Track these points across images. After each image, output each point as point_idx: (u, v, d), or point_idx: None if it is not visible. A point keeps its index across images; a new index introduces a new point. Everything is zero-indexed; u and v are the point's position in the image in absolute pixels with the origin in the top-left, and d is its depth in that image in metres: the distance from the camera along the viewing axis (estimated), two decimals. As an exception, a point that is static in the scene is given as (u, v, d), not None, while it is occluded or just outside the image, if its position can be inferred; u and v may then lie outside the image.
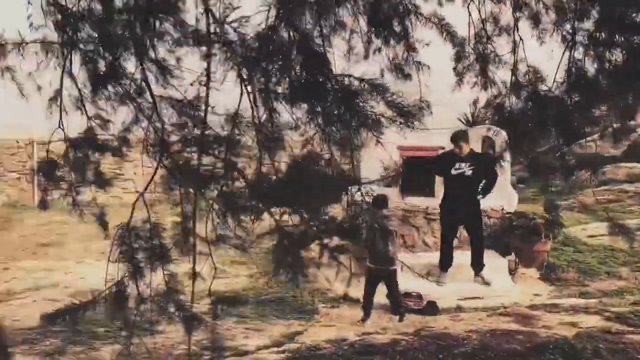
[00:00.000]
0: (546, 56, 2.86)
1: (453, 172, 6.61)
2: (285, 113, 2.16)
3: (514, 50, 3.27)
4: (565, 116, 2.58)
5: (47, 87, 3.44)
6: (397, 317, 5.98)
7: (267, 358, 4.66)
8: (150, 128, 2.34)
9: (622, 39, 2.46)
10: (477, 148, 7.98)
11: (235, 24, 2.14)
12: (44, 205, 3.40)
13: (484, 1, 3.47)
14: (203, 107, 2.41)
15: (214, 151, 2.32)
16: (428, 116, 2.77)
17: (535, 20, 3.11)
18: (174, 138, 2.33)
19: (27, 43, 2.92)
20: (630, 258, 7.76)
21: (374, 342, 4.42)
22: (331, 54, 2.19)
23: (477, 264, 6.82)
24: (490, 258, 7.27)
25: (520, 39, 3.25)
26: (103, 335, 5.25)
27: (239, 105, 2.26)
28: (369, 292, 5.99)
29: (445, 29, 2.88)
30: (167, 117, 2.41)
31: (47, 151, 2.93)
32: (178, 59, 2.68)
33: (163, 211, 2.54)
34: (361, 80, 1.97)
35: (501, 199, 7.91)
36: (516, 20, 3.27)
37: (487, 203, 7.67)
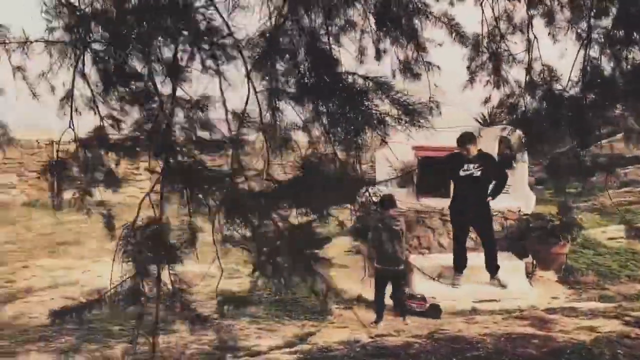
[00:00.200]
0: (560, 54, 2.79)
1: (461, 173, 6.55)
2: (288, 113, 2.13)
3: (528, 49, 3.21)
4: (580, 116, 2.52)
5: (62, 88, 3.48)
6: (403, 318, 5.92)
7: (279, 359, 4.65)
8: (157, 128, 2.34)
9: (640, 37, 2.39)
10: (494, 148, 7.89)
11: (242, 23, 2.12)
12: (57, 204, 3.43)
13: (497, -1, 3.42)
14: (211, 107, 2.39)
15: (220, 151, 2.30)
16: (439, 116, 2.73)
17: (550, 18, 3.04)
18: (179, 138, 2.32)
19: (31, 42, 2.94)
20: (653, 261, 7.59)
21: (386, 344, 4.38)
22: (337, 51, 2.15)
23: (491, 266, 6.72)
24: (507, 260, 7.16)
25: (535, 37, 3.18)
26: (118, 333, 5.30)
27: (246, 105, 2.24)
28: (378, 292, 5.94)
29: (454, 29, 2.83)
30: (174, 116, 2.40)
31: (57, 151, 2.95)
32: (189, 59, 2.67)
33: (171, 211, 2.53)
34: (365, 78, 1.93)
35: (518, 200, 7.80)
36: (530, 18, 3.20)
37: (503, 204, 7.57)
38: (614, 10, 2.69)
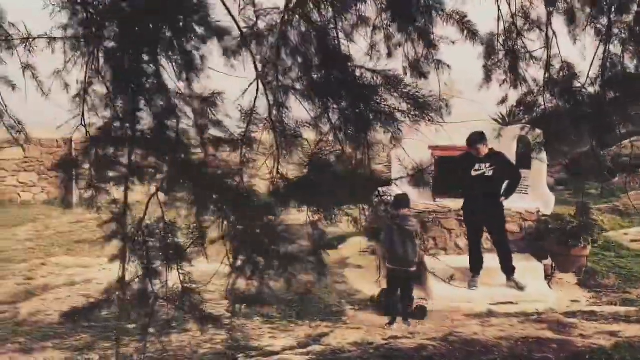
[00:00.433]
0: (577, 51, 2.70)
1: (473, 173, 6.44)
2: (295, 109, 2.09)
3: (547, 45, 3.11)
4: (600, 114, 2.43)
5: (74, 85, 3.49)
6: (408, 321, 5.82)
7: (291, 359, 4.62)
8: (165, 125, 2.31)
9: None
10: (513, 147, 7.75)
11: (251, 18, 2.09)
12: (67, 202, 3.43)
13: (514, -6, 3.32)
14: (219, 104, 2.36)
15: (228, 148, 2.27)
16: (449, 116, 2.66)
17: (569, 14, 2.94)
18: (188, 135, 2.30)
19: (47, 38, 2.94)
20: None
21: (400, 346, 4.32)
22: (345, 46, 2.11)
23: (506, 267, 6.60)
24: (526, 262, 7.03)
25: (554, 33, 3.08)
26: (132, 331, 5.33)
27: (255, 101, 2.21)
28: (390, 293, 5.86)
29: (466, 27, 2.75)
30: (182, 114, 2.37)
31: (69, 148, 2.94)
32: (202, 57, 2.65)
33: (179, 210, 2.51)
34: (373, 71, 1.87)
35: (537, 200, 7.66)
36: (549, 13, 3.11)
37: (522, 205, 7.43)
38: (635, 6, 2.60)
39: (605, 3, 2.83)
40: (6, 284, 7.13)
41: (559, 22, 3.20)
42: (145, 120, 3.04)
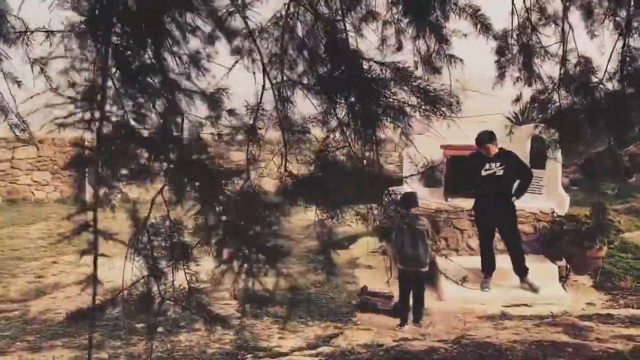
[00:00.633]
0: (594, 46, 2.60)
1: (483, 173, 6.36)
2: (302, 105, 2.03)
3: (562, 40, 3.02)
4: (618, 110, 2.34)
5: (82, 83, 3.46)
6: (419, 322, 5.74)
7: (299, 361, 4.57)
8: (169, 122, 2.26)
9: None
10: (527, 146, 7.64)
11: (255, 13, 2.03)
12: (80, 201, 3.40)
13: (529, -12, 3.23)
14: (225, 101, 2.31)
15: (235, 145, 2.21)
16: (462, 111, 2.58)
17: (586, 7, 2.84)
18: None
19: (53, 31, 2.91)
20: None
21: (410, 349, 4.24)
22: (353, 37, 2.04)
23: (519, 268, 6.49)
24: (540, 263, 6.91)
25: (570, 27, 2.98)
26: (142, 330, 5.31)
27: (261, 97, 2.15)
28: (402, 294, 5.78)
29: (479, 20, 2.66)
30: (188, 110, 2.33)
31: (82, 146, 2.90)
32: (209, 56, 2.61)
33: (185, 208, 2.46)
34: (382, 64, 1.80)
35: (551, 201, 7.53)
36: (566, 7, 3.01)
37: (536, 205, 7.31)
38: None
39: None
40: (17, 281, 7.17)
41: (574, 17, 3.11)
42: (152, 117, 3.01)
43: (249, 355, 4.74)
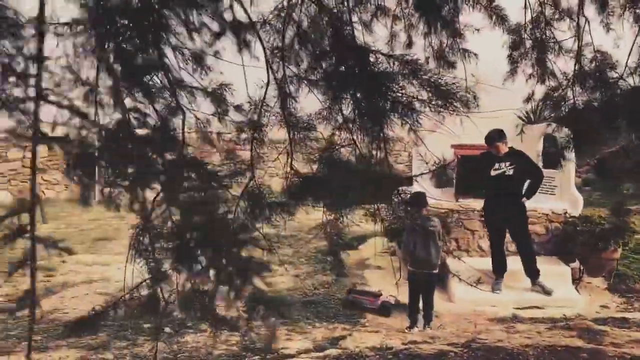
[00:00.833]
0: (614, 39, 2.49)
1: (492, 172, 6.24)
2: (308, 102, 1.95)
3: (577, 34, 2.91)
4: (639, 107, 2.23)
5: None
6: (428, 324, 5.64)
7: (306, 363, 4.49)
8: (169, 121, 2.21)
9: None
10: (539, 146, 7.50)
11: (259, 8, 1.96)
12: (86, 201, 3.35)
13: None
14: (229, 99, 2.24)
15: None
16: (479, 107, 2.49)
17: (601, 0, 2.73)
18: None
19: (55, 24, 2.85)
20: None
21: (419, 352, 4.15)
22: (359, 30, 1.96)
23: (530, 270, 6.37)
24: (553, 265, 6.78)
25: (586, 20, 2.87)
26: (148, 331, 5.26)
27: (265, 93, 2.08)
28: (412, 296, 5.68)
29: (494, 12, 2.56)
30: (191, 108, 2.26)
31: (85, 146, 2.85)
32: (216, 53, 2.55)
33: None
34: (390, 56, 1.71)
35: (564, 201, 7.39)
36: (581, 0, 2.90)
37: (548, 206, 7.18)
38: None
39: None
40: (26, 280, 7.15)
41: (590, 10, 3.00)
42: (153, 115, 2.96)
43: (255, 357, 4.67)
